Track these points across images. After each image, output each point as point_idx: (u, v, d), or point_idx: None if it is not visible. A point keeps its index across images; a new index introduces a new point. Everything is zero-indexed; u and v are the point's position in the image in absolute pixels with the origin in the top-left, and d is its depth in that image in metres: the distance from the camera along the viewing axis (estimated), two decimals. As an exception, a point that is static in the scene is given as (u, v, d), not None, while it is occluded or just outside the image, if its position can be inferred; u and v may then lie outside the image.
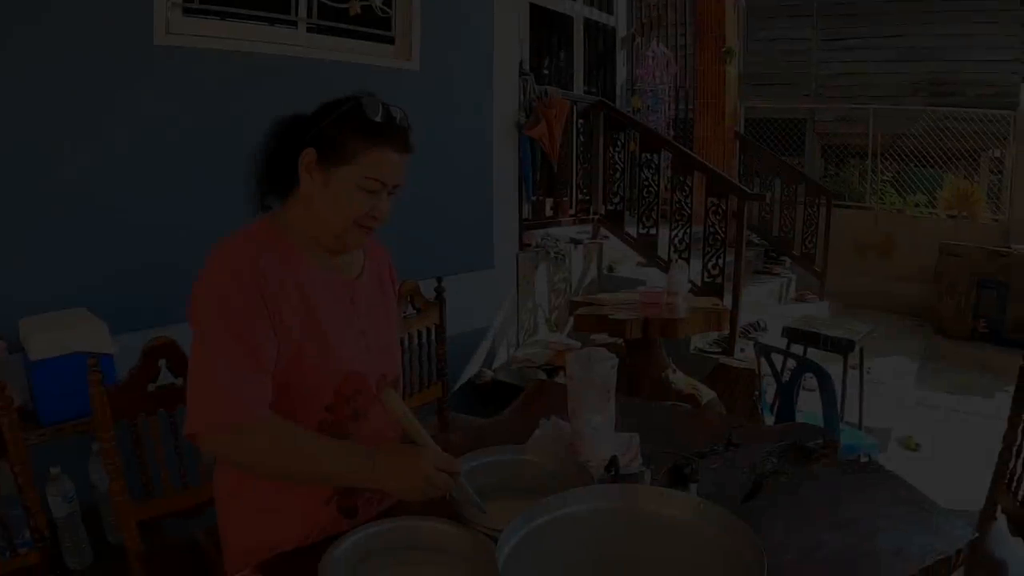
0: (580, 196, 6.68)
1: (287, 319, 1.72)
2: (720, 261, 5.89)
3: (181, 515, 2.41)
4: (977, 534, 1.98)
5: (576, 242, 6.65)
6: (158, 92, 3.43)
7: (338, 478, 1.71)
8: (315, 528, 1.84)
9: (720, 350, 5.99)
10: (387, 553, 1.68)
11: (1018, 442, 2.83)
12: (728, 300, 5.67)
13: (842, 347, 5.06)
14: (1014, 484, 2.80)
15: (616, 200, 6.72)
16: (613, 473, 1.94)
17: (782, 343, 5.15)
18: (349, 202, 1.73)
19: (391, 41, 4.71)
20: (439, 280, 3.57)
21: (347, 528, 1.71)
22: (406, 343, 3.36)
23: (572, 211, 6.60)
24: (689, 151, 6.52)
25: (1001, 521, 2.91)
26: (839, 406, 4.15)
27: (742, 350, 5.99)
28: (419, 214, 4.59)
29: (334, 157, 1.72)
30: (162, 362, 2.27)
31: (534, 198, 6.16)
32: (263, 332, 1.67)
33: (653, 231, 6.39)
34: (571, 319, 5.10)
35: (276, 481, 1.78)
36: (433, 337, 3.58)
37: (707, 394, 4.80)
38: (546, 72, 8.59)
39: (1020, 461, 2.79)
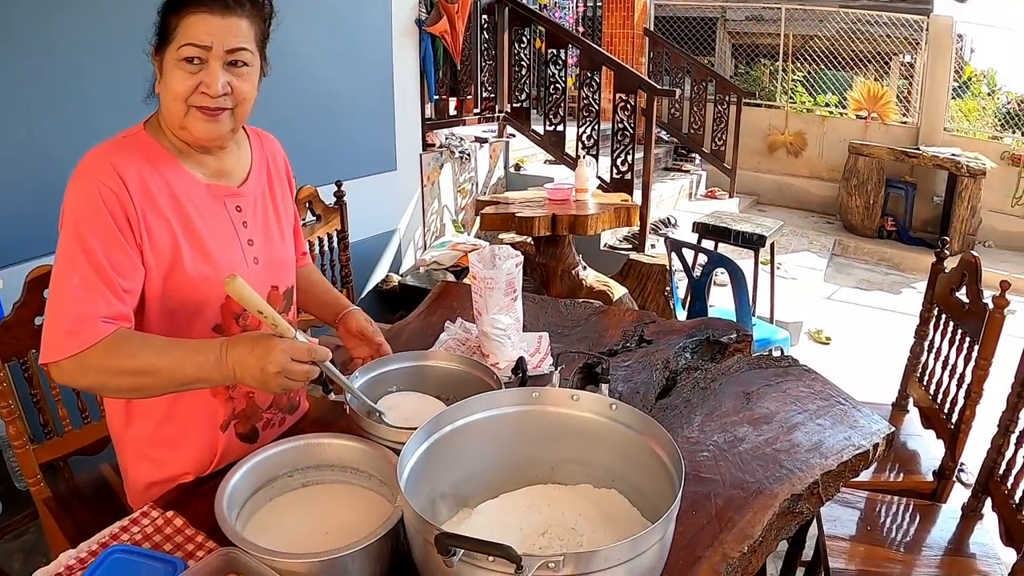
0: (485, 94, 6.49)
1: (156, 230, 1.56)
2: (629, 157, 5.82)
3: (85, 452, 2.32)
4: (894, 429, 1.97)
5: (482, 141, 6.52)
6: (29, 4, 3.11)
7: (194, 382, 1.52)
8: (214, 456, 1.76)
9: (631, 246, 5.98)
10: (290, 475, 1.60)
11: (929, 336, 2.85)
12: (638, 196, 5.61)
13: (753, 243, 5.06)
14: (925, 377, 2.82)
15: (522, 97, 6.55)
16: (520, 376, 1.85)
17: (693, 239, 5.13)
18: (173, 81, 1.53)
19: (280, -70, 4.42)
20: (339, 184, 3.42)
21: (250, 452, 1.58)
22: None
23: (477, 109, 6.41)
24: (597, 47, 6.38)
25: (913, 413, 2.94)
26: (751, 300, 4.14)
27: (653, 246, 5.99)
28: (316, 116, 4.39)
29: (161, 42, 1.54)
30: (47, 293, 2.10)
31: (437, 97, 5.96)
32: (118, 247, 1.51)
33: (560, 128, 6.28)
34: (478, 219, 4.99)
35: (126, 396, 1.66)
36: (336, 243, 3.45)
37: (618, 290, 4.77)
38: (448, -34, 8.31)
39: (931, 355, 2.80)
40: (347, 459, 1.61)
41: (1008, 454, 2.28)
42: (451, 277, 5.15)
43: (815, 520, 2.40)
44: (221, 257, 1.65)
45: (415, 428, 1.45)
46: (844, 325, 6.08)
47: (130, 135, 1.61)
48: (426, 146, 5.75)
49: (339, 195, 3.43)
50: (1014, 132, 8.69)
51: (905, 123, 9.13)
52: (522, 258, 2.16)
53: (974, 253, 2.57)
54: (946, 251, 2.84)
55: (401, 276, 5.38)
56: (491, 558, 1.09)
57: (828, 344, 5.73)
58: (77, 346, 1.45)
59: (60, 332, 1.46)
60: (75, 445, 2.29)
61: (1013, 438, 2.26)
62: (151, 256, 1.55)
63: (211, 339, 1.54)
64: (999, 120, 8.87)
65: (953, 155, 8.01)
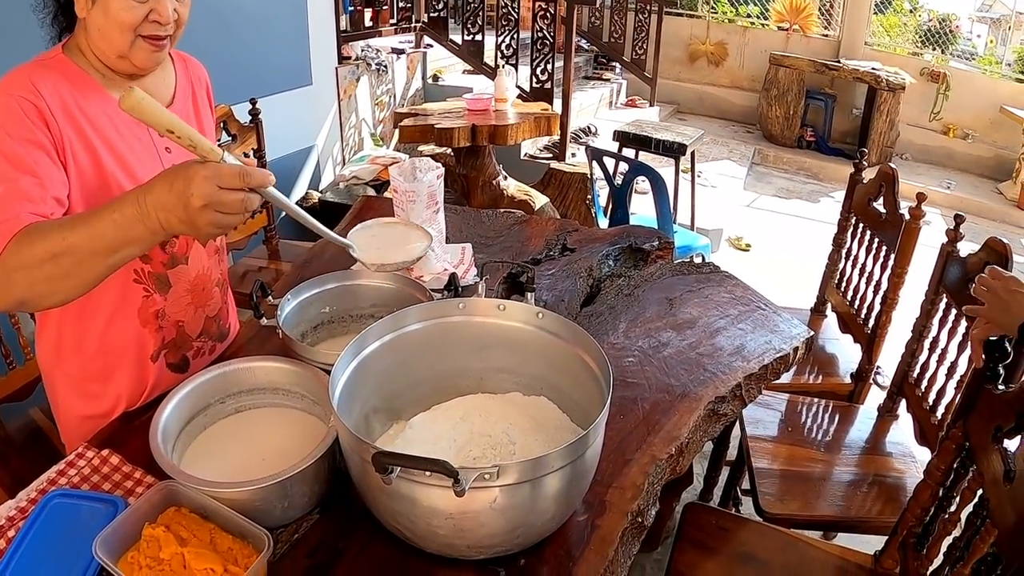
0: (401, 3, 6.32)
1: (80, 154, 1.48)
2: (549, 67, 5.75)
3: (14, 399, 2.26)
4: (812, 333, 2.03)
5: (399, 52, 6.38)
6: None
7: (121, 246, 1.28)
8: (145, 388, 1.73)
9: (551, 156, 5.97)
10: (222, 401, 1.59)
11: (846, 245, 2.92)
12: (558, 106, 5.57)
13: (673, 151, 5.08)
14: (843, 284, 2.90)
15: (439, 6, 6.40)
16: (453, 292, 1.85)
17: (614, 148, 5.13)
18: (120, 11, 1.44)
19: None
20: (254, 102, 3.33)
21: (181, 382, 1.54)
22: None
23: (393, 20, 6.26)
24: (515, -47, 6.26)
25: (831, 318, 3.03)
26: (672, 208, 4.18)
27: (573, 155, 5.98)
28: (227, 32, 4.23)
29: None
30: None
31: (352, 8, 5.81)
32: (44, 152, 1.41)
33: (479, 37, 6.16)
34: (397, 132, 4.92)
35: (60, 293, 1.37)
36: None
37: (540, 200, 4.78)
38: None
39: (849, 263, 2.87)
40: (278, 381, 1.61)
41: (921, 358, 2.37)
42: (371, 191, 5.08)
43: (738, 421, 2.47)
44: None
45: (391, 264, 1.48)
46: (764, 232, 6.19)
47: (48, 58, 1.52)
48: (341, 59, 5.62)
49: (254, 113, 3.34)
50: (934, 49, 8.81)
51: (826, 36, 9.16)
52: (443, 170, 2.14)
53: (892, 165, 2.63)
54: (864, 162, 2.90)
55: (321, 193, 5.30)
56: (428, 473, 1.10)
57: (748, 251, 5.83)
58: None
59: None
60: (2, 392, 2.22)
61: (926, 343, 2.34)
62: (75, 177, 1.47)
63: (127, 193, 1.29)
64: (919, 37, 8.97)
65: (873, 69, 8.10)
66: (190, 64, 1.82)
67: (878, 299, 2.61)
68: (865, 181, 2.82)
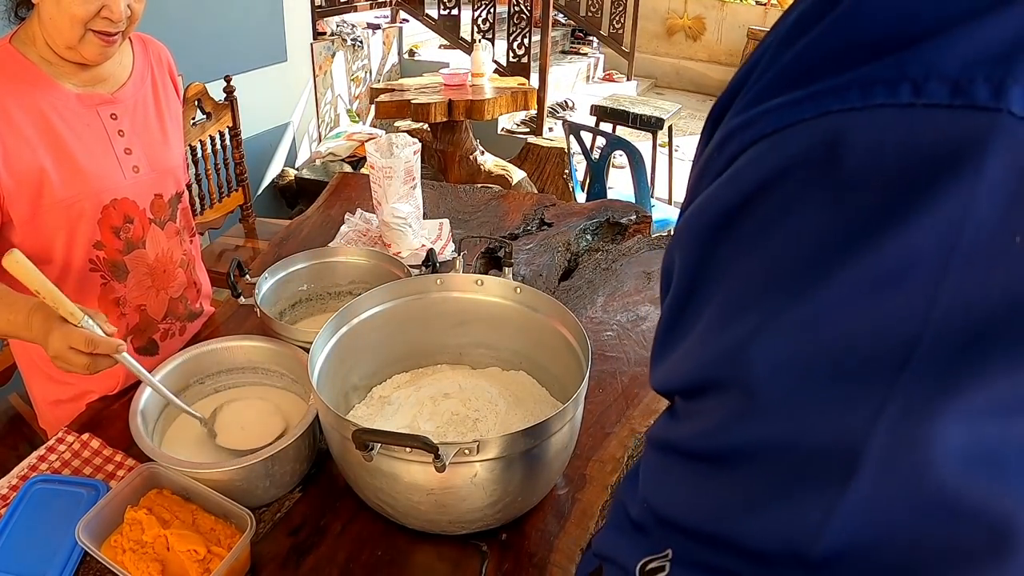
0: (376, -22, 6.31)
1: (14, 153, 1.46)
2: (526, 41, 5.73)
3: None
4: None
5: (374, 27, 6.34)
6: None
7: (6, 336, 1.46)
8: (116, 374, 1.71)
9: (528, 130, 5.96)
10: (201, 382, 1.59)
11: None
12: (535, 80, 5.56)
13: (651, 125, 5.09)
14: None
15: (414, -20, 6.39)
16: (431, 267, 1.85)
17: (591, 122, 5.13)
18: (71, 4, 1.41)
19: None
20: (228, 80, 3.30)
21: (154, 366, 1.53)
22: (199, 151, 3.12)
23: (368, -6, 6.24)
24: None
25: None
26: (649, 182, 4.18)
27: (551, 129, 5.98)
28: (200, 9, 4.19)
29: None
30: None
31: (320, -18, 5.78)
32: None
33: (455, 11, 6.12)
34: (373, 107, 4.90)
35: None
36: (228, 141, 3.34)
37: (517, 174, 4.78)
38: None
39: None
40: (257, 360, 1.60)
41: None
42: (348, 168, 5.06)
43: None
44: (94, 170, 1.57)
45: (248, 451, 1.35)
46: (741, 205, 6.19)
47: None
48: (317, 35, 5.57)
49: (229, 91, 3.31)
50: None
51: (806, 11, 9.20)
52: (419, 145, 2.14)
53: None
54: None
55: (297, 170, 5.26)
56: (409, 449, 1.11)
57: (725, 224, 5.84)
58: None
59: None
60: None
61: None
62: (9, 179, 1.46)
63: (29, 302, 1.39)
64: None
65: (851, 45, 8.11)
66: (150, 45, 1.78)
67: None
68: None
